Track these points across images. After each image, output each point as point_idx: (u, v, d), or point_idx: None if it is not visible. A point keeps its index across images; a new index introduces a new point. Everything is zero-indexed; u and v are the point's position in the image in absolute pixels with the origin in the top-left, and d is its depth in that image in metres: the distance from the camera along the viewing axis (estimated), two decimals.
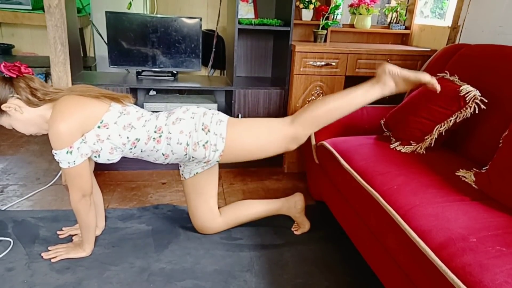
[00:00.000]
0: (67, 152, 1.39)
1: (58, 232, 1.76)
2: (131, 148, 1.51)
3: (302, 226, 1.88)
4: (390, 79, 1.56)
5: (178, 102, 2.42)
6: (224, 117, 1.59)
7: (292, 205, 1.85)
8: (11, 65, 1.41)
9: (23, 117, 1.45)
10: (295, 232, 1.87)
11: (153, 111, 1.63)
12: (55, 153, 1.41)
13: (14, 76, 1.41)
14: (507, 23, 1.95)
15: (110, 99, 1.50)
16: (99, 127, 1.44)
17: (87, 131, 1.43)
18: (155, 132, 1.51)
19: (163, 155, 1.55)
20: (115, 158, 1.53)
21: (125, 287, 1.47)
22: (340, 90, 1.64)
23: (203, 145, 1.52)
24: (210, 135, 1.52)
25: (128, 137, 1.48)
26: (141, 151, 1.54)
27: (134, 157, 1.58)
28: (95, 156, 1.49)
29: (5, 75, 1.41)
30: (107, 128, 1.45)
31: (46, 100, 1.45)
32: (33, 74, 1.49)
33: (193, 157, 1.55)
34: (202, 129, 1.52)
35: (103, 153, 1.48)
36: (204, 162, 1.60)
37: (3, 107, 1.41)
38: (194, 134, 1.51)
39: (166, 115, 1.56)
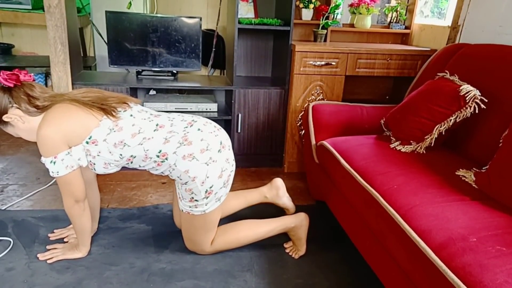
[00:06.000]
0: (51, 162, 1.38)
1: (49, 235, 1.74)
2: (127, 163, 1.47)
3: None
4: (304, 245, 1.71)
5: (178, 101, 2.42)
6: (224, 196, 1.56)
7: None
8: (9, 73, 1.37)
9: (26, 126, 1.43)
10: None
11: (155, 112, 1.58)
12: (42, 161, 1.40)
13: (11, 85, 1.37)
14: (507, 23, 1.95)
15: (102, 112, 1.41)
16: (87, 142, 1.39)
17: (74, 144, 1.39)
18: (157, 156, 1.43)
19: (162, 173, 1.51)
20: (112, 170, 1.49)
21: (125, 287, 1.47)
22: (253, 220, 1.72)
23: (192, 197, 1.48)
24: (207, 199, 1.49)
25: (121, 154, 1.42)
26: (139, 166, 1.49)
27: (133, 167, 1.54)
28: (92, 169, 1.47)
29: (3, 85, 1.37)
30: (95, 145, 1.39)
31: (46, 108, 1.41)
32: (33, 80, 1.45)
33: (186, 189, 1.50)
34: (206, 190, 1.47)
35: (98, 167, 1.45)
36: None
37: (5, 118, 1.39)
38: (198, 182, 1.44)
39: (179, 141, 1.43)
